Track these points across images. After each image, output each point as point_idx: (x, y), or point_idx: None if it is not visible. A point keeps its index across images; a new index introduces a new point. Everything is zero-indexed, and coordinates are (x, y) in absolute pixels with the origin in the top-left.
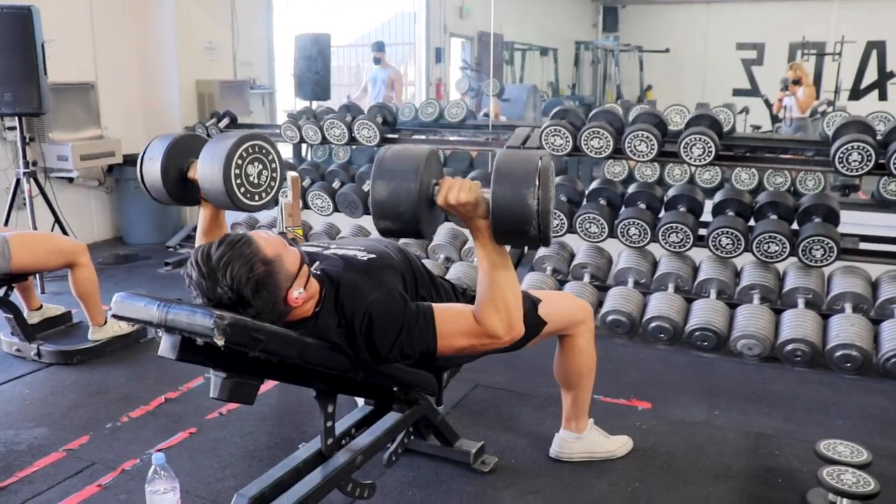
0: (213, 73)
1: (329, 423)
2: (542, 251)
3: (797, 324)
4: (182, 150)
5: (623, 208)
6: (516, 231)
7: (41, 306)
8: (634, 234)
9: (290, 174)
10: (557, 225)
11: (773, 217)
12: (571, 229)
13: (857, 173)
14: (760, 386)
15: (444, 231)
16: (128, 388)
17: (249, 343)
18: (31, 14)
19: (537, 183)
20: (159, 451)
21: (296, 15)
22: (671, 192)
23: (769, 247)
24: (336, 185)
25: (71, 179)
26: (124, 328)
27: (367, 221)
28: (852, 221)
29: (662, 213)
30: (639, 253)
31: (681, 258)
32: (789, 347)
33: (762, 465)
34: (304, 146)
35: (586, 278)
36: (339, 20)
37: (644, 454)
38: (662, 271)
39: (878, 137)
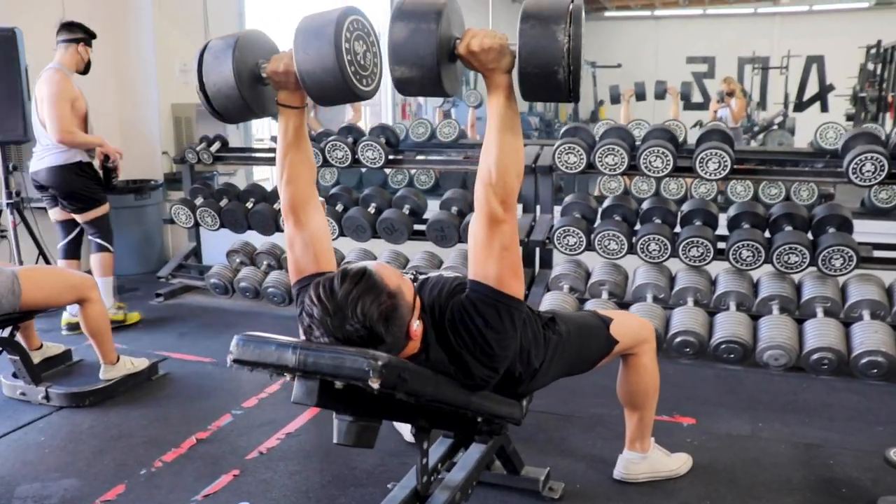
0: (188, 96)
1: (425, 461)
2: (557, 270)
3: (821, 333)
4: (250, 47)
5: (639, 224)
6: (544, 73)
7: (41, 345)
8: (654, 250)
9: None
10: (575, 243)
11: (790, 228)
12: (589, 247)
13: (870, 183)
14: (793, 396)
15: (420, 251)
16: (152, 430)
17: (398, 384)
18: (15, 36)
19: (569, 19)
20: (206, 496)
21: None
22: (686, 207)
23: (790, 258)
24: (339, 208)
25: None
26: (137, 365)
27: (375, 245)
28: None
29: (678, 228)
30: (656, 268)
31: (698, 272)
32: (816, 356)
33: (820, 476)
34: None
35: (604, 295)
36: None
37: (704, 471)
38: (681, 286)
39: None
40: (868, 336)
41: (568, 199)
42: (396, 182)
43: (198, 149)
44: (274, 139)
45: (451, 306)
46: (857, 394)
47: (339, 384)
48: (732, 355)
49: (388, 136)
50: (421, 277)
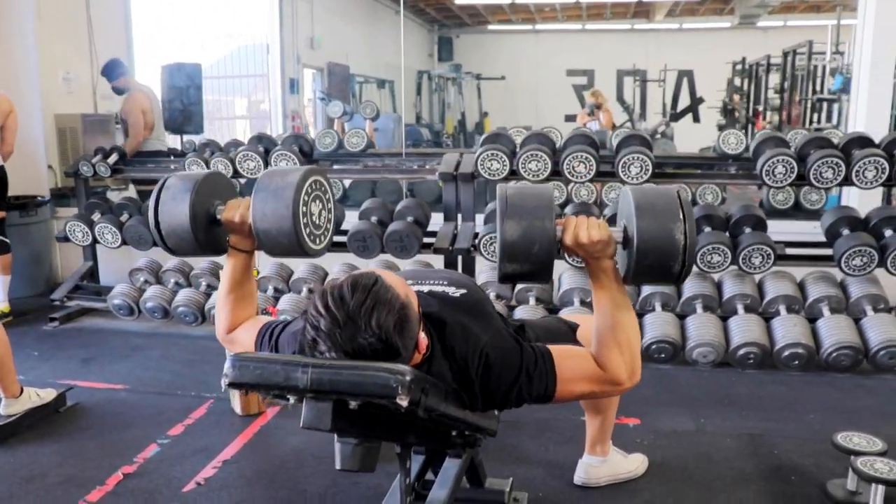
0: (71, 107)
1: (408, 480)
2: (482, 278)
3: (745, 328)
4: (209, 190)
5: None
6: (660, 267)
7: None
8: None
9: None
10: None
11: (709, 229)
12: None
13: (782, 184)
14: (726, 391)
15: (339, 263)
16: (69, 467)
17: (421, 399)
18: None
19: (682, 216)
20: None
21: (152, 45)
22: (608, 212)
23: (712, 258)
24: None
25: None
26: (43, 397)
27: (291, 259)
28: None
29: None
30: (581, 273)
31: None
32: (742, 351)
33: (770, 465)
34: None
35: (532, 301)
36: (186, 50)
37: (660, 469)
38: None
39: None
40: (788, 329)
41: (490, 205)
42: None
43: (93, 161)
44: (174, 152)
45: (499, 342)
46: (782, 385)
47: (353, 404)
48: (663, 355)
49: (301, 146)
50: (420, 288)
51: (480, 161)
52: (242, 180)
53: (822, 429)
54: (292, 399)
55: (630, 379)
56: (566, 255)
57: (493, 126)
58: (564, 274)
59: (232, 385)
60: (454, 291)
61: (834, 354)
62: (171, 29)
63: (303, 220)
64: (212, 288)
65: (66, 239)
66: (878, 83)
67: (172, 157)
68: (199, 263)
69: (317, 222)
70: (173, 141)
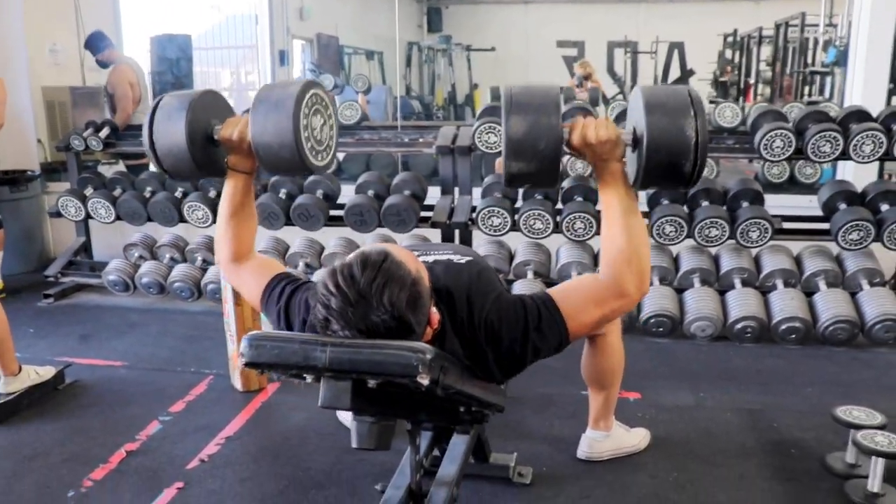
0: (59, 79)
1: (418, 457)
2: (480, 252)
3: (742, 302)
4: (204, 109)
5: (562, 203)
6: (670, 166)
7: None
8: (580, 228)
9: None
10: (500, 224)
11: (707, 203)
12: (514, 227)
13: (779, 158)
14: (724, 365)
15: (336, 238)
16: (72, 445)
17: (440, 377)
18: None
19: (693, 112)
20: None
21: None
22: None
23: (710, 231)
24: (212, 194)
25: None
26: (43, 374)
27: (287, 233)
28: None
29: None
30: (579, 246)
31: None
32: (740, 325)
33: (770, 439)
34: None
35: (530, 275)
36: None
37: (662, 444)
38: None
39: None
40: (785, 303)
41: (488, 179)
42: None
43: (85, 135)
44: None
45: (499, 301)
46: (779, 358)
47: (372, 383)
48: (662, 328)
49: None
50: (426, 259)
51: (478, 134)
52: None
53: (819, 402)
54: (309, 378)
55: (638, 290)
56: (574, 156)
57: (483, 98)
58: (563, 248)
59: (249, 365)
60: (459, 258)
61: (830, 328)
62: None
63: (304, 134)
64: (208, 263)
65: (58, 214)
66: (874, 56)
67: None
68: (195, 238)
69: (318, 137)
70: None
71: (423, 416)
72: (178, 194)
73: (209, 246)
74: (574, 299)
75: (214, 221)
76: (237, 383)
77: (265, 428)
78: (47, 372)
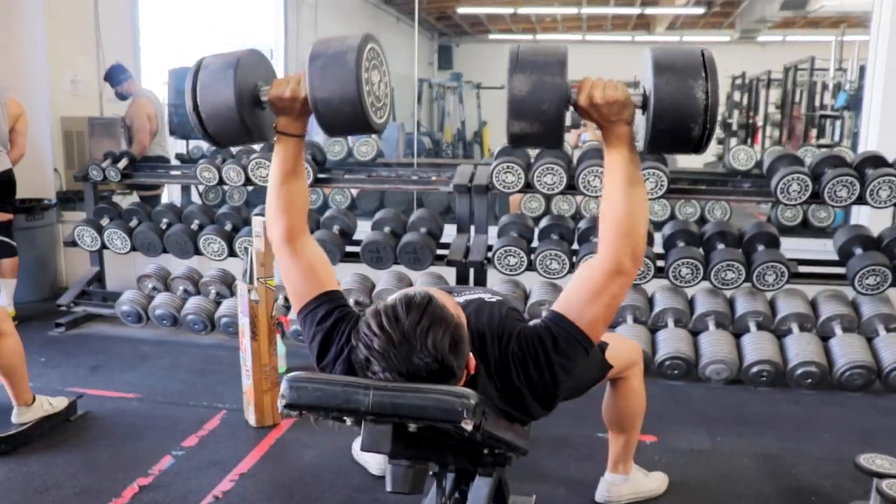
0: (78, 109)
1: (444, 500)
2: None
3: (758, 346)
4: (250, 68)
5: (578, 244)
6: (678, 130)
7: None
8: None
9: (261, 219)
10: (516, 263)
11: (723, 246)
12: (529, 267)
13: (796, 203)
14: (739, 409)
15: (351, 274)
16: (83, 478)
17: (482, 423)
18: None
19: (705, 74)
20: None
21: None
22: None
23: (727, 274)
24: (228, 227)
25: None
26: (56, 405)
27: None
28: None
29: None
30: None
31: (635, 290)
32: (755, 369)
33: (788, 486)
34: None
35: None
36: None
37: (679, 488)
38: (621, 304)
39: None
40: (801, 348)
41: (504, 218)
42: (310, 202)
43: (103, 165)
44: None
45: (520, 337)
46: (795, 403)
47: (413, 427)
48: (677, 371)
49: (313, 154)
50: (458, 300)
51: (496, 173)
52: (250, 188)
53: (837, 449)
54: (349, 421)
55: (634, 264)
56: (582, 117)
57: (492, 135)
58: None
59: (289, 407)
60: (490, 297)
61: (847, 373)
62: (176, 32)
63: (365, 88)
64: (221, 296)
65: (73, 244)
66: (890, 101)
67: (180, 163)
68: (209, 271)
69: (377, 94)
70: (178, 146)
71: (449, 458)
72: (194, 227)
73: (223, 279)
74: (576, 303)
75: (230, 255)
76: (251, 419)
77: (279, 465)
78: (60, 402)
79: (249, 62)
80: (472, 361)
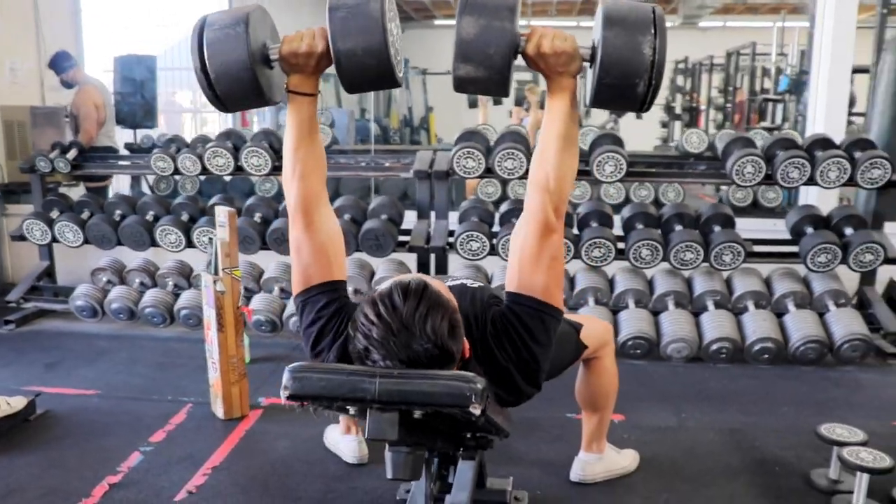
0: (18, 98)
1: (431, 486)
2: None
3: (717, 324)
4: (259, 25)
5: None
6: (624, 85)
7: None
8: None
9: (226, 209)
10: (479, 248)
11: (680, 227)
12: (492, 251)
13: (750, 184)
14: (701, 385)
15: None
16: (49, 479)
17: (486, 406)
18: None
19: (654, 31)
20: None
21: (100, 35)
22: (583, 209)
23: (686, 255)
24: (185, 218)
25: None
26: (14, 405)
27: (263, 257)
28: None
29: (576, 230)
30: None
31: (597, 272)
32: (715, 346)
33: (753, 458)
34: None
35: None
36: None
37: (650, 465)
38: (582, 286)
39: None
40: (758, 324)
41: (465, 204)
42: (265, 191)
43: (51, 156)
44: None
45: (492, 318)
46: (754, 378)
47: (418, 413)
48: (639, 350)
49: (271, 142)
50: (446, 284)
51: (456, 159)
52: (202, 177)
53: (796, 421)
54: (352, 410)
55: (559, 220)
56: (529, 67)
57: (438, 121)
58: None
59: (292, 398)
60: (472, 283)
61: (801, 348)
62: (116, 18)
63: (390, 39)
64: (179, 288)
65: (22, 238)
66: (835, 85)
67: (130, 153)
68: (165, 263)
69: (397, 46)
70: (125, 136)
71: (439, 443)
72: (149, 217)
73: (181, 270)
74: (523, 277)
75: (188, 245)
76: (219, 411)
77: (252, 457)
78: (18, 402)
79: (257, 17)
80: (467, 345)
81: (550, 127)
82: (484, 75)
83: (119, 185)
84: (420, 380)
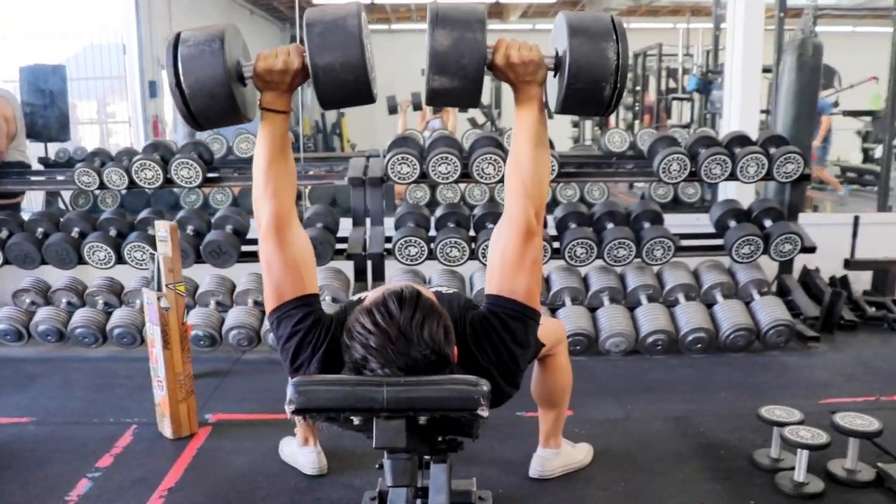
0: None
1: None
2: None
3: (651, 317)
4: (232, 43)
5: (474, 230)
6: (592, 90)
7: None
8: None
9: (167, 224)
10: (417, 253)
11: (612, 225)
12: (430, 256)
13: (676, 181)
14: (641, 377)
15: (247, 274)
16: None
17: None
18: None
19: (615, 37)
20: None
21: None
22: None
23: (619, 252)
24: (113, 233)
25: None
26: None
27: (196, 271)
28: None
29: None
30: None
31: None
32: (651, 339)
33: (700, 443)
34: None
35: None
36: (27, 49)
37: (604, 456)
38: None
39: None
40: (690, 316)
41: (400, 209)
42: (190, 202)
43: None
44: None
45: (471, 321)
46: (690, 367)
47: (423, 419)
48: (579, 347)
49: (200, 153)
50: None
51: (390, 165)
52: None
53: (734, 405)
54: (357, 420)
55: (539, 223)
56: (497, 78)
57: (350, 127)
58: (476, 274)
59: (298, 412)
60: (446, 289)
61: (731, 336)
62: (13, 28)
63: (367, 55)
64: (110, 306)
65: None
66: (748, 84)
67: (45, 168)
68: (94, 281)
69: (371, 63)
70: (38, 150)
71: (425, 447)
72: (75, 234)
73: (111, 288)
74: (505, 280)
75: (118, 262)
76: (167, 431)
77: (208, 475)
78: None
79: (232, 35)
80: (456, 350)
81: (522, 135)
82: (458, 86)
83: (31, 201)
84: (426, 386)
